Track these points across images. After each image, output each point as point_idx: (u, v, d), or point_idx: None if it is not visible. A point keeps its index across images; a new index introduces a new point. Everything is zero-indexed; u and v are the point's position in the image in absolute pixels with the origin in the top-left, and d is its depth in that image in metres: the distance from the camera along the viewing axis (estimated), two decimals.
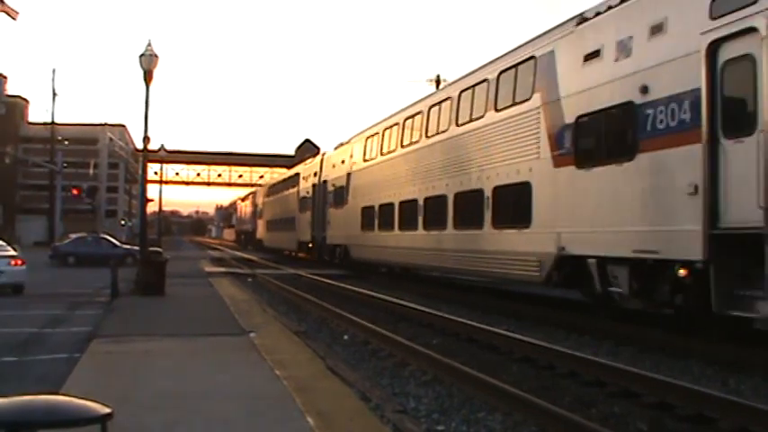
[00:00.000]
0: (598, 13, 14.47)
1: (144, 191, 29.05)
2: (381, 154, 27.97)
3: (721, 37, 10.87)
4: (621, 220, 13.09)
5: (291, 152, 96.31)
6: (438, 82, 50.17)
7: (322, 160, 39.50)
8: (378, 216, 27.47)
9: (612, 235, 13.35)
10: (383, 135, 28.09)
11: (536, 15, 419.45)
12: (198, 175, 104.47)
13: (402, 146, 25.69)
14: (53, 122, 67.36)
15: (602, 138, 14.04)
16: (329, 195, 35.65)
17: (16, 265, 20.62)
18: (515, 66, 17.55)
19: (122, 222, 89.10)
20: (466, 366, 9.70)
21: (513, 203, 17.15)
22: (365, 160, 30.12)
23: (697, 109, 11.23)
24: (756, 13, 10.29)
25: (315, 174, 39.90)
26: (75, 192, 58.47)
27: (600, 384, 9.28)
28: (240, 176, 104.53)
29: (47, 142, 69.28)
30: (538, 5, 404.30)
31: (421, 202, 23.05)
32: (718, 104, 10.98)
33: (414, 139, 24.55)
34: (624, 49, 13.17)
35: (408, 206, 24.06)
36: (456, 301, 20.22)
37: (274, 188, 58.69)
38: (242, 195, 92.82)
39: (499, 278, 19.55)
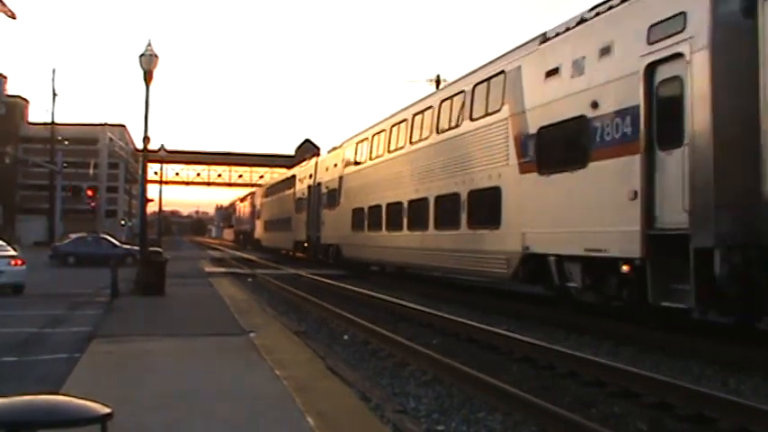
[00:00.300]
0: (558, 34, 15.86)
1: (144, 191, 29.04)
2: (370, 158, 29.62)
3: (656, 60, 12.31)
4: (575, 222, 14.63)
5: (291, 152, 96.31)
6: (438, 82, 50.16)
7: (316, 163, 41.01)
8: (367, 217, 29.11)
9: (568, 235, 14.85)
10: (372, 140, 29.69)
11: (536, 15, 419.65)
12: (198, 175, 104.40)
13: (389, 151, 27.19)
14: (53, 122, 67.33)
15: (559, 147, 15.51)
16: (323, 197, 37.24)
17: (16, 265, 20.61)
18: (488, 79, 19.08)
19: (122, 222, 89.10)
20: (466, 366, 9.70)
21: (486, 206, 18.65)
22: (355, 164, 31.77)
23: (637, 123, 12.67)
24: (683, 40, 11.71)
25: (310, 176, 41.54)
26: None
27: (600, 384, 9.28)
28: (240, 176, 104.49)
29: (47, 142, 69.25)
30: (538, 5, 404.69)
31: (405, 205, 24.67)
32: (654, 120, 12.41)
33: (399, 145, 26.06)
34: (578, 67, 14.65)
35: (394, 208, 25.69)
36: (456, 301, 20.24)
37: (272, 189, 60.19)
38: (241, 196, 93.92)
39: (473, 275, 21.25)
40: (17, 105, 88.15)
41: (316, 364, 9.73)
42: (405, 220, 24.72)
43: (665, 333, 12.68)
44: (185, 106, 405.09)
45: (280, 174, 70.29)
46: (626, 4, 13.64)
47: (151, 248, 26.46)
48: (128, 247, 40.96)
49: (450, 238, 20.76)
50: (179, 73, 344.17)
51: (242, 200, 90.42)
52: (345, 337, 13.91)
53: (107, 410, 2.98)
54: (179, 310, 16.66)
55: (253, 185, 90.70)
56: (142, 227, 25.48)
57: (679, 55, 11.80)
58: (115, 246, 39.51)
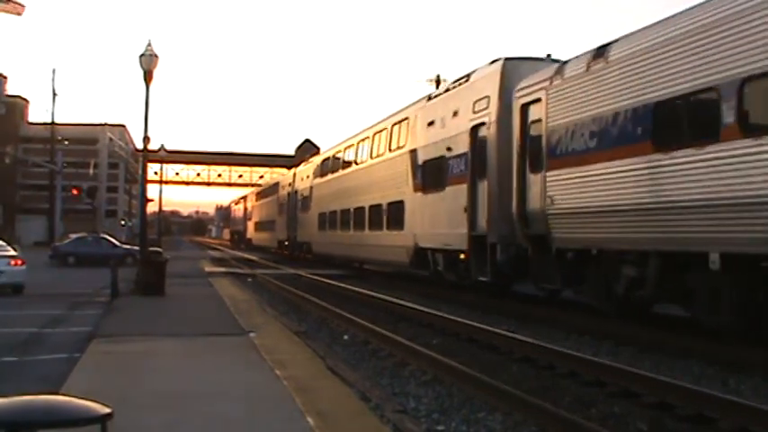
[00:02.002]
0: (436, 96, 23.15)
1: (144, 191, 29.06)
2: (331, 173, 37.24)
3: (476, 124, 19.24)
4: (440, 226, 21.51)
5: (291, 152, 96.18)
6: (438, 82, 50.10)
7: (294, 174, 48.92)
8: (328, 220, 36.72)
9: (436, 235, 21.81)
10: (332, 158, 37.74)
11: (534, 15, 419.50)
12: (198, 175, 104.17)
13: (342, 168, 34.97)
14: (53, 122, 67.33)
15: (432, 175, 22.26)
16: (299, 202, 45.01)
17: (16, 265, 20.60)
18: (400, 122, 26.45)
19: (122, 222, 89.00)
20: (466, 366, 9.70)
21: (396, 214, 25.68)
22: (321, 176, 39.52)
23: (467, 163, 19.62)
24: (487, 113, 18.70)
25: (289, 184, 49.33)
26: (74, 191, 58.52)
27: (600, 384, 9.28)
28: (240, 176, 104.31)
29: (47, 142, 69.23)
30: (536, 5, 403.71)
31: (352, 211, 31.80)
32: (476, 162, 19.12)
33: (348, 165, 34.12)
34: (443, 122, 21.59)
35: (345, 213, 33.02)
36: (456, 301, 20.23)
37: (260, 194, 68.01)
38: (236, 198, 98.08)
39: (389, 264, 28.66)
40: (17, 105, 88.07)
41: (316, 364, 9.73)
42: (351, 223, 31.87)
43: (666, 333, 12.70)
44: (185, 106, 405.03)
45: (280, 174, 71.50)
46: (466, 83, 20.55)
47: (151, 248, 26.47)
48: (128, 247, 40.94)
49: (377, 237, 28.02)
50: (179, 73, 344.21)
51: (236, 203, 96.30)
52: (345, 337, 13.90)
53: (107, 410, 2.98)
54: (179, 311, 16.66)
55: (253, 185, 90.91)
56: (142, 227, 25.48)
57: (484, 123, 18.76)
58: (115, 246, 39.49)
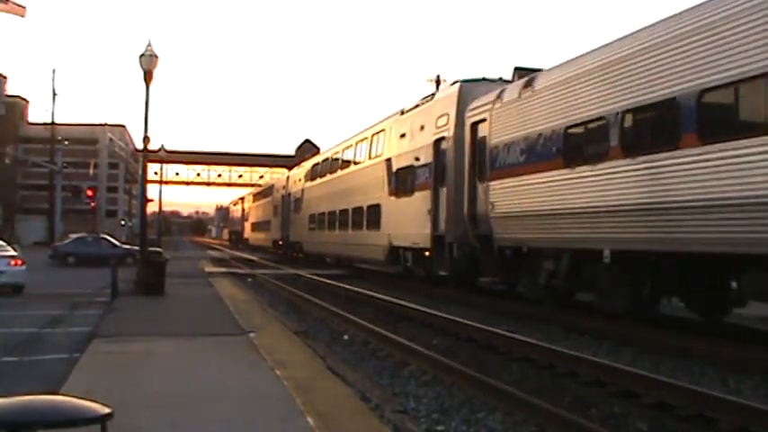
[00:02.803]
0: (407, 111, 26.07)
1: (144, 191, 29.03)
2: (320, 177, 40.49)
3: (438, 138, 22.30)
4: (408, 227, 24.47)
5: (291, 152, 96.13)
6: (438, 82, 50.09)
7: (288, 177, 52.47)
8: (317, 221, 40.08)
9: (406, 235, 24.74)
10: (321, 163, 41.16)
11: (533, 15, 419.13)
12: (198, 175, 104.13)
13: (330, 173, 37.99)
14: (53, 122, 67.30)
15: (403, 182, 25.47)
16: (292, 204, 48.14)
17: (16, 265, 20.60)
18: (378, 132, 29.55)
19: (122, 222, 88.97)
20: (466, 366, 9.70)
21: (374, 216, 28.58)
22: (311, 180, 42.86)
23: (431, 172, 22.62)
24: (446, 129, 21.69)
25: (283, 187, 52.67)
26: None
27: (600, 384, 9.28)
28: (240, 176, 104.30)
29: (47, 142, 69.19)
30: (535, 5, 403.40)
31: (338, 213, 34.91)
32: (438, 171, 22.17)
33: (334, 170, 37.11)
34: (412, 135, 24.80)
35: (331, 215, 36.34)
36: (456, 301, 20.23)
37: (257, 196, 71.49)
38: (234, 199, 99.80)
39: (368, 261, 31.25)
40: (17, 105, 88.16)
41: (316, 364, 9.74)
42: (337, 224, 34.95)
43: (666, 333, 12.70)
44: (185, 106, 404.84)
45: (280, 174, 71.94)
46: (431, 102, 23.84)
47: (151, 248, 26.47)
48: (128, 247, 40.93)
49: (358, 236, 30.79)
50: (179, 73, 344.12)
51: (235, 204, 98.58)
52: (345, 337, 13.90)
53: (107, 410, 2.98)
54: (179, 311, 16.66)
55: (253, 185, 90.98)
56: (142, 227, 25.47)
57: (444, 137, 21.75)
58: (115, 246, 39.48)
